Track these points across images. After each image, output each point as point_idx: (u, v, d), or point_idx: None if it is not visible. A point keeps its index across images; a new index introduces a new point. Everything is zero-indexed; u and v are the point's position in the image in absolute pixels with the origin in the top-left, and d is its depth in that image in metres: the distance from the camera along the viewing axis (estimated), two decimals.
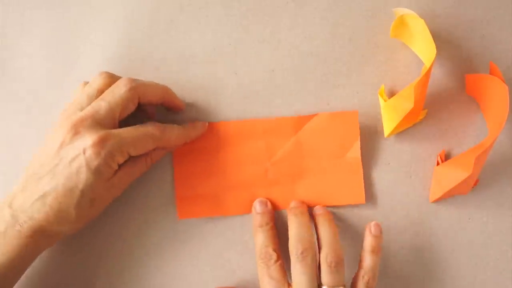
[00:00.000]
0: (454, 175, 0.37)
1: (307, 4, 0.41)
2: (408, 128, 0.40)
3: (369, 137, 0.40)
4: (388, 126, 0.39)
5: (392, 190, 0.40)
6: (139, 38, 0.41)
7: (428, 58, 0.38)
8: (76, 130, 0.34)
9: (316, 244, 0.36)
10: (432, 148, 0.40)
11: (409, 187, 0.40)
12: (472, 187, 0.39)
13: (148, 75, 0.41)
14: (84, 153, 0.33)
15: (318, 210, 0.39)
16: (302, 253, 0.35)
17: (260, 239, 0.37)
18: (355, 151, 0.40)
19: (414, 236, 0.40)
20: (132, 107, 0.36)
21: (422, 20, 0.37)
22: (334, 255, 0.35)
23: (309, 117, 0.40)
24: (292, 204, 0.39)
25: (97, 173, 0.33)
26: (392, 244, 0.40)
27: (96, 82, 0.36)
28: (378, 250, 0.36)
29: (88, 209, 0.34)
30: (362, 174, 0.40)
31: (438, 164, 0.40)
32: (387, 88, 0.41)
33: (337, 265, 0.35)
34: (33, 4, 0.42)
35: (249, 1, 0.41)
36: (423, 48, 0.39)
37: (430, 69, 0.37)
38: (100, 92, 0.36)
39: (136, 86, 0.36)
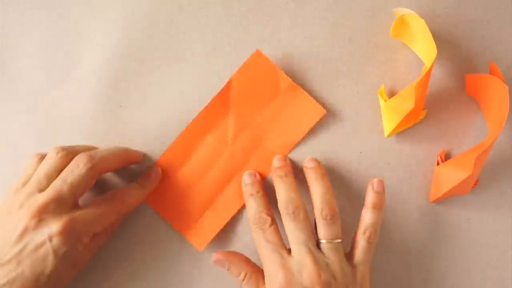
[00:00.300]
0: (454, 175, 0.37)
1: (307, 4, 0.41)
2: (408, 128, 0.40)
3: (369, 137, 0.40)
4: (388, 126, 0.39)
5: (392, 190, 0.40)
6: (139, 38, 0.41)
7: (428, 58, 0.38)
8: (40, 216, 0.33)
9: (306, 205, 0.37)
10: (432, 148, 0.40)
11: (409, 187, 0.40)
12: (472, 187, 0.39)
13: (148, 75, 0.41)
14: (50, 241, 0.33)
15: (308, 164, 0.38)
16: (293, 212, 0.35)
17: (252, 206, 0.37)
18: (284, 80, 0.39)
19: (414, 236, 0.40)
20: (92, 183, 0.36)
21: (423, 20, 0.37)
22: (329, 208, 0.35)
23: (228, 86, 0.40)
24: (275, 163, 0.39)
25: (64, 258, 0.33)
26: (392, 244, 0.40)
27: (53, 159, 0.35)
28: (380, 206, 0.37)
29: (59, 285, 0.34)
30: (305, 92, 0.40)
31: (438, 164, 0.40)
32: (387, 88, 0.41)
33: (333, 217, 0.35)
34: (33, 4, 0.42)
35: (249, 1, 0.41)
36: (424, 48, 0.39)
37: (430, 69, 0.36)
38: (59, 170, 0.35)
39: (96, 164, 0.35)
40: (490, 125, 0.39)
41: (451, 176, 0.37)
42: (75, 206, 0.35)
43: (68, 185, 0.34)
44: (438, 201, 0.40)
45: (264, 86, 0.40)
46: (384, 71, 0.41)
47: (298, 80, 0.40)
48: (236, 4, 0.41)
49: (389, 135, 0.40)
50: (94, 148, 0.38)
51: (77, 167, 0.35)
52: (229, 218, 0.40)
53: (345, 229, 0.40)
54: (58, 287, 0.34)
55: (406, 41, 0.40)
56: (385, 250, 0.40)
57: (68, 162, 0.35)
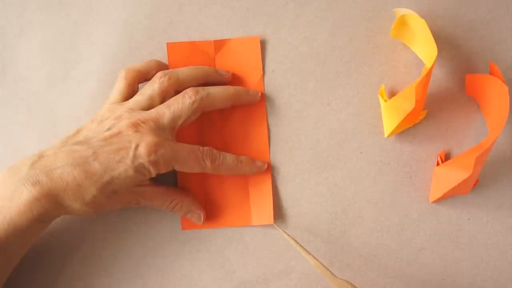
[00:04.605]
0: (454, 175, 0.37)
1: (307, 4, 0.41)
2: (408, 128, 0.40)
3: (369, 137, 0.40)
4: (388, 126, 0.39)
5: (392, 190, 0.40)
6: (139, 38, 0.41)
7: (429, 58, 0.38)
8: (137, 128, 0.34)
9: None
10: (432, 148, 0.40)
11: (409, 187, 0.40)
12: (472, 187, 0.39)
13: None
14: (136, 148, 0.33)
15: None
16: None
17: None
18: (257, 73, 0.40)
19: (414, 236, 0.40)
20: (194, 118, 0.37)
21: (423, 21, 0.37)
22: None
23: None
24: None
25: (135, 171, 0.34)
26: (392, 244, 0.40)
27: (157, 83, 0.37)
28: None
29: (105, 198, 0.34)
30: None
31: (438, 164, 0.40)
32: (388, 88, 0.41)
33: None
34: (33, 4, 0.42)
35: (249, 1, 0.41)
36: (424, 48, 0.39)
37: (431, 69, 0.36)
38: (162, 95, 0.37)
39: (203, 98, 0.37)
40: (490, 125, 0.39)
41: (451, 176, 0.37)
42: (171, 137, 0.36)
43: (170, 112, 0.36)
44: (438, 201, 0.40)
45: (243, 69, 0.40)
46: (384, 71, 0.41)
47: (299, 80, 0.41)
48: (236, 4, 0.41)
49: (389, 135, 0.40)
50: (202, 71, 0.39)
51: (184, 98, 0.36)
52: (270, 177, 0.40)
53: (345, 231, 0.40)
54: (108, 199, 0.34)
55: (406, 41, 0.40)
56: (385, 250, 0.40)
57: (170, 88, 0.37)
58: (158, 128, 0.35)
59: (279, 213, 0.40)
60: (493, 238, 0.40)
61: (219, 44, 0.40)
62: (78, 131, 0.36)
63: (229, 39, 0.40)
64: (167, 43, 0.40)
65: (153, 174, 0.35)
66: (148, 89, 0.37)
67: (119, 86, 0.38)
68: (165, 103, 0.36)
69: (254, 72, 0.40)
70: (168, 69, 0.40)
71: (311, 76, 0.41)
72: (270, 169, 0.40)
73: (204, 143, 0.38)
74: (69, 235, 0.40)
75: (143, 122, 0.35)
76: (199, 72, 0.39)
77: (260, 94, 0.40)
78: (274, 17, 0.41)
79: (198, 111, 0.37)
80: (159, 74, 0.37)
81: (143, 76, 0.39)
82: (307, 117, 0.40)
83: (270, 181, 0.40)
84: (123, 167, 0.33)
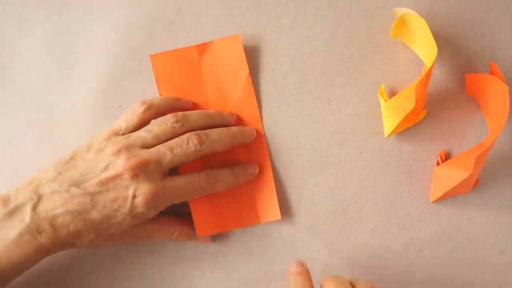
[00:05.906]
0: (454, 175, 0.37)
1: (307, 4, 0.41)
2: (408, 128, 0.40)
3: (369, 137, 0.40)
4: (388, 126, 0.39)
5: (392, 190, 0.40)
6: (139, 38, 0.41)
7: (429, 58, 0.38)
8: (136, 172, 0.34)
9: None
10: (432, 148, 0.40)
11: (409, 187, 0.40)
12: (472, 187, 0.39)
13: (147, 76, 0.41)
14: (133, 197, 0.33)
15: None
16: None
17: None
18: (243, 72, 0.40)
19: (414, 236, 0.40)
20: (193, 161, 0.36)
21: (423, 20, 0.37)
22: None
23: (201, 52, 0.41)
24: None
25: (134, 218, 0.34)
26: (392, 244, 0.40)
27: (168, 126, 0.36)
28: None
29: (103, 240, 0.35)
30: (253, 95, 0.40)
31: (438, 164, 0.40)
32: (388, 88, 0.41)
33: None
34: (33, 4, 0.42)
35: (249, 1, 0.41)
36: (424, 48, 0.39)
37: (431, 69, 0.36)
38: (168, 137, 0.36)
39: (206, 148, 0.36)
40: (490, 125, 0.39)
41: (451, 176, 0.37)
42: (166, 174, 0.36)
43: (172, 156, 0.35)
44: (438, 201, 0.40)
45: (229, 69, 0.40)
46: (384, 71, 0.41)
47: (299, 80, 0.41)
48: (236, 4, 0.41)
49: (389, 135, 0.40)
50: (209, 116, 0.38)
51: (187, 144, 0.36)
52: (272, 175, 0.40)
53: (345, 231, 0.40)
54: (107, 241, 0.35)
55: (406, 41, 0.40)
56: (385, 250, 0.40)
57: (180, 133, 0.36)
58: (157, 171, 0.35)
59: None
60: (493, 238, 0.39)
61: (202, 48, 0.40)
62: (72, 158, 0.35)
63: (211, 41, 0.40)
64: (150, 56, 0.40)
65: (152, 215, 0.35)
66: (156, 129, 0.36)
67: (133, 119, 0.37)
68: (167, 144, 0.36)
69: (240, 71, 0.40)
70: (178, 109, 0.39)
71: (311, 76, 0.41)
72: (270, 167, 0.40)
73: None
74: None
75: (143, 166, 0.34)
76: (209, 120, 0.38)
77: (255, 131, 0.40)
78: (274, 17, 0.41)
79: (199, 156, 0.36)
80: (170, 118, 0.37)
81: (161, 114, 0.38)
82: (307, 117, 0.40)
83: (272, 179, 0.40)
84: (121, 216, 0.34)
